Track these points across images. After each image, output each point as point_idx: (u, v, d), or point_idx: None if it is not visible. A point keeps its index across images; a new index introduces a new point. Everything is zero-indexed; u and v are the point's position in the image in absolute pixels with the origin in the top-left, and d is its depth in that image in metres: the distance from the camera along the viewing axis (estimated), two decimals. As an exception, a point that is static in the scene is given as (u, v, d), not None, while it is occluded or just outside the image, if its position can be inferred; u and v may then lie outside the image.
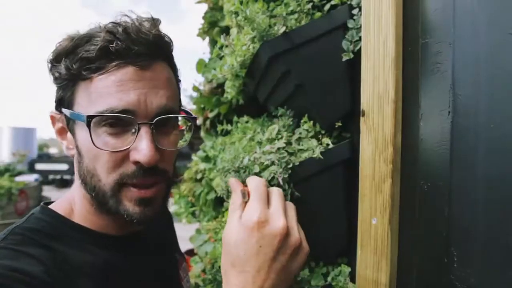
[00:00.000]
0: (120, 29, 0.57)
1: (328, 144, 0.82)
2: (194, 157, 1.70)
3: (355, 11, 0.77)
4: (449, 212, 0.58)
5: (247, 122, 1.11)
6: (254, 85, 1.01)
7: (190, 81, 1.74)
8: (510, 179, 0.49)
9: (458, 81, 0.56)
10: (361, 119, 0.73)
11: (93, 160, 0.59)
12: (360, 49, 0.74)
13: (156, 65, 0.61)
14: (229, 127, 1.19)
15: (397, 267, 0.69)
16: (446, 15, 0.58)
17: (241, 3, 0.97)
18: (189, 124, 0.70)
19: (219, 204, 1.50)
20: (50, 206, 0.67)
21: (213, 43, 1.64)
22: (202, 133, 1.72)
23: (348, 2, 0.79)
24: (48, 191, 9.35)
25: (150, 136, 0.57)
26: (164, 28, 0.63)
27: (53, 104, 0.66)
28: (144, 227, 0.72)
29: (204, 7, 1.66)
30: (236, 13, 0.99)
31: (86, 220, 0.66)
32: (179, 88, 0.69)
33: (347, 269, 0.81)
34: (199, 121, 1.73)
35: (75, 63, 0.58)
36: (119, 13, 0.60)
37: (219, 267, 1.02)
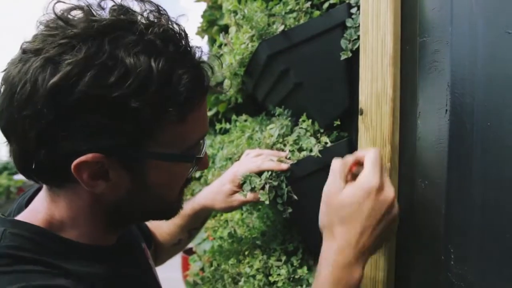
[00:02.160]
0: (197, 54, 0.54)
1: (326, 143, 0.83)
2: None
3: (353, 10, 0.77)
4: (446, 210, 0.58)
5: (245, 120, 1.11)
6: (252, 83, 1.01)
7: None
8: (508, 177, 0.49)
9: (455, 79, 0.56)
10: (359, 117, 0.73)
11: (168, 188, 0.59)
12: (358, 48, 0.74)
13: None
14: (227, 125, 1.19)
15: (395, 265, 0.70)
16: (444, 14, 0.58)
17: (239, 1, 0.97)
18: None
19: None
20: (21, 219, 0.56)
21: (211, 41, 1.64)
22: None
23: (347, 1, 0.79)
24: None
25: None
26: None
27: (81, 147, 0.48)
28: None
29: (204, 6, 1.66)
30: (235, 12, 0.99)
31: (75, 234, 0.57)
32: None
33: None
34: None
35: (171, 104, 0.49)
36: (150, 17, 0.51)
37: (218, 265, 1.03)
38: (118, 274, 0.61)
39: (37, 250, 0.51)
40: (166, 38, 0.50)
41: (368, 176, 0.56)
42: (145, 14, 0.51)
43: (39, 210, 0.57)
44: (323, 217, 0.60)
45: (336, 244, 0.56)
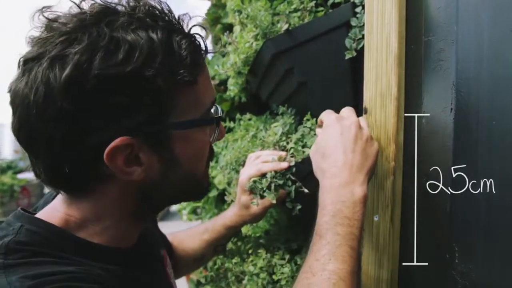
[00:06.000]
0: (185, 22, 0.56)
1: (330, 142, 0.82)
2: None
3: (358, 9, 0.77)
4: (451, 208, 0.58)
5: (250, 119, 1.12)
6: (257, 82, 1.01)
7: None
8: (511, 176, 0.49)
9: (460, 78, 0.56)
10: (364, 116, 0.73)
11: (195, 160, 0.59)
12: (363, 47, 0.74)
13: None
14: (232, 124, 1.19)
15: (398, 264, 0.70)
16: (449, 13, 0.58)
17: (242, 1, 0.97)
18: None
19: (221, 201, 1.50)
20: (39, 217, 0.56)
21: (215, 39, 1.64)
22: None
23: (351, 0, 0.79)
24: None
25: None
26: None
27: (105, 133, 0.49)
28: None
29: (208, 4, 1.66)
30: (239, 11, 0.99)
31: (93, 235, 0.56)
32: None
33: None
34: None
35: (180, 66, 0.51)
36: None
37: (222, 263, 1.03)
38: (126, 279, 0.59)
39: (49, 248, 0.51)
40: (153, 15, 0.52)
41: (326, 118, 0.67)
42: (123, 1, 0.52)
43: (57, 208, 0.56)
44: (314, 167, 0.66)
45: (328, 173, 0.62)
